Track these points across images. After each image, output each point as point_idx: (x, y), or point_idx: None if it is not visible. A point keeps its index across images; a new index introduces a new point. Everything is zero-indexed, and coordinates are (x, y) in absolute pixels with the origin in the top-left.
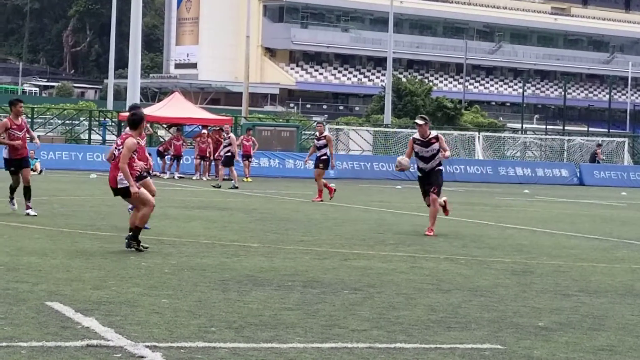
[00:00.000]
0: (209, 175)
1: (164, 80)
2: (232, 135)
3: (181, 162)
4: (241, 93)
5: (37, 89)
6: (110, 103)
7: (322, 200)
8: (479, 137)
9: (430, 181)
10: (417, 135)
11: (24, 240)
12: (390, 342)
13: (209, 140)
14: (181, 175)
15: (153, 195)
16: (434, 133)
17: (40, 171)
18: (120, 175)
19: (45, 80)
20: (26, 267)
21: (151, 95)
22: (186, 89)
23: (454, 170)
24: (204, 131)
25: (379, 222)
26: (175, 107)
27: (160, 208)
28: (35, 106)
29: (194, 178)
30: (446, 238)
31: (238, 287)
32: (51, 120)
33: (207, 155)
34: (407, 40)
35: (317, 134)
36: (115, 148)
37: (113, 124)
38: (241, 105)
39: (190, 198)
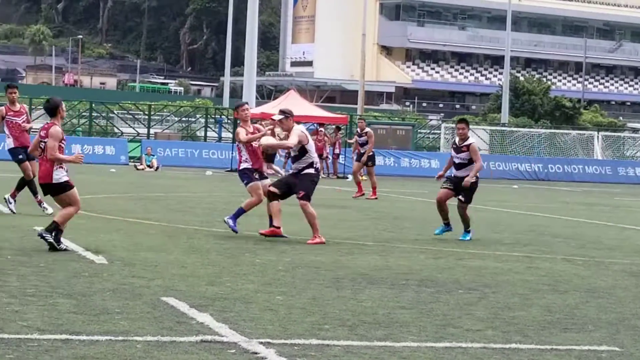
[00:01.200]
0: (323, 173)
1: (280, 78)
2: (369, 130)
3: None
4: (357, 91)
5: (182, 88)
6: (226, 101)
7: (376, 198)
8: (598, 136)
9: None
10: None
11: (140, 236)
12: (505, 342)
13: (326, 138)
14: None
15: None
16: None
17: (157, 168)
18: (56, 171)
19: (162, 77)
20: (142, 263)
21: (267, 93)
22: (302, 86)
23: (572, 170)
24: (321, 129)
25: (494, 222)
26: (291, 105)
27: None
28: (153, 103)
29: None
30: (563, 239)
31: (352, 285)
32: (168, 118)
33: (325, 153)
34: (525, 39)
35: (359, 130)
36: (40, 141)
37: (229, 121)
38: (357, 104)
39: None
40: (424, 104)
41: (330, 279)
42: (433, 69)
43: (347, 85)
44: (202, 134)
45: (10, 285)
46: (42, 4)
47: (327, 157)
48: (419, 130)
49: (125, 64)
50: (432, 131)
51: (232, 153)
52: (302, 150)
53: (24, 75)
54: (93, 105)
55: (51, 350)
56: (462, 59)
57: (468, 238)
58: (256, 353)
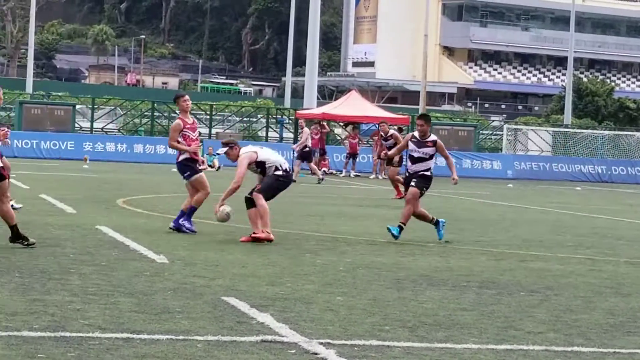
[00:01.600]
0: (384, 174)
1: (341, 79)
2: (306, 129)
3: (357, 160)
4: (418, 92)
5: (251, 89)
6: (287, 101)
7: (402, 197)
8: None
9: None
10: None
11: (201, 235)
12: (567, 345)
13: None
14: (357, 174)
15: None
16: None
17: (218, 167)
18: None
19: (224, 77)
20: (203, 262)
21: (328, 94)
22: (363, 87)
23: (636, 173)
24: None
25: (557, 224)
26: (352, 105)
27: (336, 206)
28: (214, 103)
29: (371, 177)
30: (627, 241)
31: (413, 286)
32: (229, 118)
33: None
34: (588, 40)
35: (383, 134)
36: None
37: (290, 121)
38: (418, 104)
39: (366, 196)
40: (486, 105)
41: (391, 280)
42: (495, 69)
43: (409, 85)
44: (264, 134)
45: (72, 283)
46: (105, 4)
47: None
48: (480, 131)
49: (187, 64)
50: (494, 132)
51: (293, 153)
52: (260, 166)
53: (86, 75)
54: (155, 105)
55: (112, 349)
56: (525, 59)
57: (397, 233)
58: (316, 354)
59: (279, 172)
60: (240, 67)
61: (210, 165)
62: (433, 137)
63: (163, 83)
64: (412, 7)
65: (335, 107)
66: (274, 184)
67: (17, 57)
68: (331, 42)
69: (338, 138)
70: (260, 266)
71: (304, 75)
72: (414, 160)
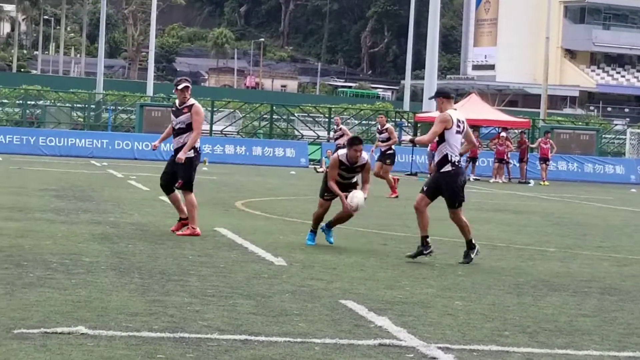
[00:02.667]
0: (505, 178)
1: (461, 82)
2: (343, 127)
3: (477, 163)
4: (539, 95)
5: (389, 93)
6: (406, 104)
7: (397, 196)
8: None
9: None
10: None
11: (319, 238)
12: None
13: (508, 142)
14: (477, 177)
15: None
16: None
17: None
18: None
19: (343, 80)
20: (321, 265)
21: None
22: (483, 90)
23: None
24: (503, 134)
25: None
26: (472, 108)
27: None
28: (333, 106)
29: (491, 181)
30: None
31: (533, 291)
32: (348, 120)
33: (505, 157)
34: None
35: (379, 126)
36: None
37: (409, 124)
38: (539, 108)
39: (486, 200)
40: (609, 109)
41: (511, 285)
42: (619, 73)
43: (530, 89)
44: None
45: (191, 285)
46: (225, 8)
47: (508, 161)
48: (603, 135)
49: (306, 67)
50: (617, 136)
51: (411, 157)
52: (189, 125)
53: (206, 77)
54: (274, 107)
55: (231, 350)
56: None
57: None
58: (435, 358)
59: (191, 153)
60: (359, 70)
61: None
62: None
63: (282, 86)
64: (534, 9)
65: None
66: (190, 171)
67: (138, 60)
68: (451, 45)
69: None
70: (378, 269)
71: (423, 78)
72: None
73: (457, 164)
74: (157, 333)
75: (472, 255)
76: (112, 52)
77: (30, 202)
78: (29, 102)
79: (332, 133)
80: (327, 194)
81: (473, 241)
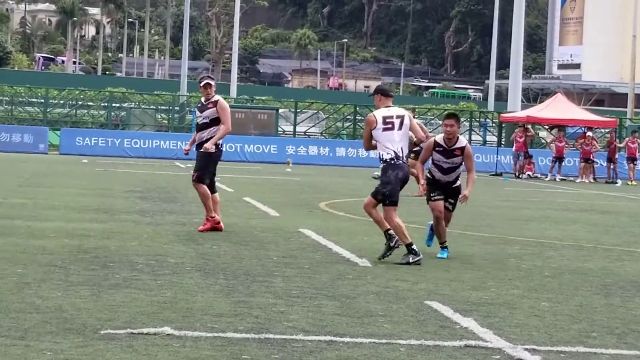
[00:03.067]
0: (592, 178)
1: (546, 81)
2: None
3: (563, 163)
4: (626, 94)
5: (480, 94)
6: (491, 104)
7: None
8: None
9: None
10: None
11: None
12: None
13: (594, 142)
14: (563, 178)
15: None
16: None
17: None
18: None
19: (427, 81)
20: (406, 266)
21: (532, 96)
22: (569, 89)
23: None
24: (589, 133)
25: None
26: (557, 108)
27: (540, 210)
28: (416, 107)
29: (577, 181)
30: None
31: (621, 292)
32: (431, 121)
33: (591, 157)
34: None
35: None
36: None
37: (494, 124)
38: (626, 107)
39: (572, 201)
40: None
41: (598, 286)
42: None
43: (617, 88)
44: (466, 137)
45: (276, 286)
46: (307, 9)
47: (594, 161)
48: None
49: (389, 68)
50: None
51: (496, 157)
52: (213, 120)
53: (289, 79)
54: (357, 108)
55: (315, 352)
56: None
57: (446, 255)
58: None
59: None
60: (442, 70)
61: None
62: (462, 142)
63: (365, 87)
64: (620, 7)
65: (540, 110)
66: (207, 163)
67: (221, 62)
68: (536, 44)
69: (543, 141)
70: (463, 270)
71: (507, 77)
72: (445, 170)
73: (388, 160)
74: (242, 334)
75: (411, 261)
76: (195, 54)
77: (116, 203)
78: (113, 105)
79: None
80: (433, 194)
81: (414, 246)
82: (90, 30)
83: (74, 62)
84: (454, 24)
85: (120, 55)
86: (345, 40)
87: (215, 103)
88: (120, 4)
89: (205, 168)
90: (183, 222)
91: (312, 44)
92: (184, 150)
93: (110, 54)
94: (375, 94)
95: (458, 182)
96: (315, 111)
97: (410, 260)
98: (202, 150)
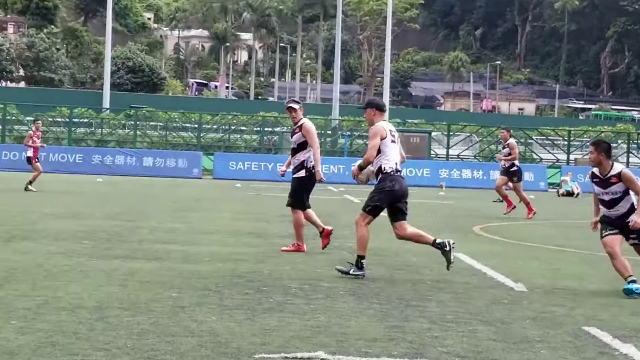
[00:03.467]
0: None
1: None
2: (511, 141)
3: None
4: None
5: None
6: None
7: (535, 212)
8: None
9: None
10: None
11: (561, 263)
12: None
13: None
14: None
15: None
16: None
17: (577, 194)
18: None
19: (582, 102)
20: (563, 291)
21: None
22: None
23: None
24: None
25: None
26: None
27: None
28: (572, 129)
29: None
30: None
31: None
32: (588, 143)
33: None
34: None
35: (502, 141)
36: None
37: None
38: None
39: None
40: None
41: None
42: None
43: None
44: (624, 159)
45: (431, 310)
46: (460, 31)
47: None
48: None
49: (543, 89)
50: None
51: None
52: (301, 145)
53: (442, 101)
54: (511, 131)
55: None
56: None
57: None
58: None
59: (302, 173)
60: (598, 92)
61: (568, 192)
62: (616, 168)
63: (519, 109)
64: None
65: None
66: (299, 190)
67: (373, 85)
68: None
69: None
70: (622, 295)
71: None
72: (607, 204)
73: (389, 172)
74: (396, 359)
75: (351, 272)
76: (347, 77)
77: (269, 227)
78: (266, 129)
79: (501, 149)
80: (604, 231)
81: (363, 261)
82: (243, 55)
83: (227, 87)
84: (610, 44)
85: (272, 79)
86: (498, 62)
87: (301, 127)
88: (272, 29)
89: (299, 194)
90: (336, 247)
91: (465, 66)
92: (280, 172)
93: (262, 79)
94: (368, 107)
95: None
96: (468, 134)
97: (352, 272)
98: (295, 176)
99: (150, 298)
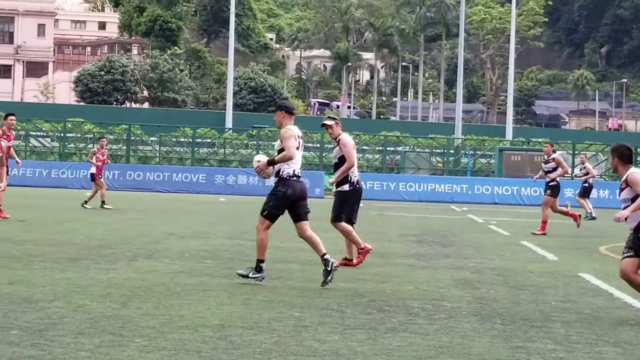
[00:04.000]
0: None
1: None
2: (556, 156)
3: None
4: None
5: None
6: None
7: (544, 233)
8: None
9: None
10: None
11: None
12: None
13: None
14: None
15: None
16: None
17: None
18: None
19: None
20: None
21: None
22: None
23: None
24: None
25: None
26: None
27: None
28: None
29: None
30: None
31: None
32: None
33: None
34: None
35: (545, 156)
36: None
37: None
38: None
39: None
40: None
41: None
42: None
43: None
44: None
45: (555, 332)
46: (585, 49)
47: None
48: None
49: None
50: None
51: None
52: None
53: (566, 120)
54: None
55: None
56: None
57: None
58: None
59: (346, 187)
60: None
61: None
62: (631, 170)
63: None
64: None
65: None
66: (342, 203)
67: (496, 104)
68: None
69: None
70: None
71: None
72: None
73: (285, 177)
74: None
75: (250, 275)
76: (470, 96)
77: (392, 247)
78: (388, 148)
79: (578, 171)
80: (623, 252)
81: (262, 265)
82: (365, 75)
83: (349, 107)
84: None
85: (394, 99)
86: (625, 80)
87: (339, 142)
88: (395, 48)
89: (340, 208)
90: (459, 266)
91: (590, 84)
92: (329, 182)
93: (384, 98)
94: (279, 110)
95: None
96: (594, 153)
97: (251, 275)
98: (338, 190)
99: (273, 317)
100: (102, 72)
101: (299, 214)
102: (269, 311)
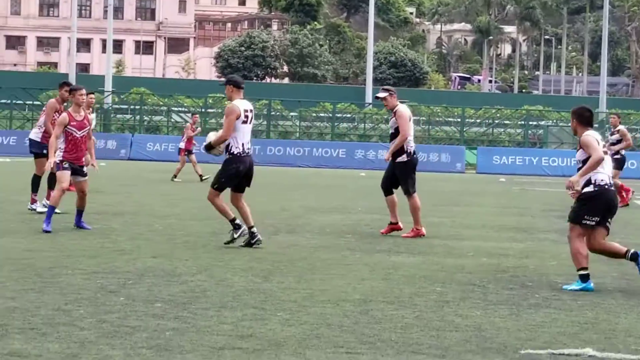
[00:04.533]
0: None
1: None
2: (622, 128)
3: None
4: None
5: None
6: None
7: (627, 205)
8: None
9: None
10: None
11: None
12: None
13: None
14: None
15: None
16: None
17: None
18: None
19: None
20: None
21: None
22: None
23: None
24: None
25: None
26: None
27: None
28: None
29: None
30: None
31: None
32: None
33: None
34: None
35: (612, 127)
36: None
37: None
38: None
39: None
40: None
41: None
42: None
43: None
44: None
45: None
46: None
47: None
48: None
49: None
50: None
51: None
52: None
53: None
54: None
55: None
56: None
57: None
58: None
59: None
60: None
61: None
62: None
63: None
64: None
65: None
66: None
67: None
68: None
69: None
70: None
71: None
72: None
73: (236, 154)
74: None
75: (236, 236)
76: (614, 69)
77: (534, 222)
78: (530, 123)
79: (608, 136)
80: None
81: (236, 222)
82: (506, 49)
83: (490, 81)
84: None
85: (536, 72)
86: None
87: (395, 112)
88: (537, 21)
89: (406, 181)
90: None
91: None
92: (385, 158)
93: (526, 72)
94: (227, 84)
95: (587, 188)
96: None
97: (236, 236)
98: (397, 161)
99: (414, 292)
100: (243, 48)
101: (240, 186)
102: (410, 286)
